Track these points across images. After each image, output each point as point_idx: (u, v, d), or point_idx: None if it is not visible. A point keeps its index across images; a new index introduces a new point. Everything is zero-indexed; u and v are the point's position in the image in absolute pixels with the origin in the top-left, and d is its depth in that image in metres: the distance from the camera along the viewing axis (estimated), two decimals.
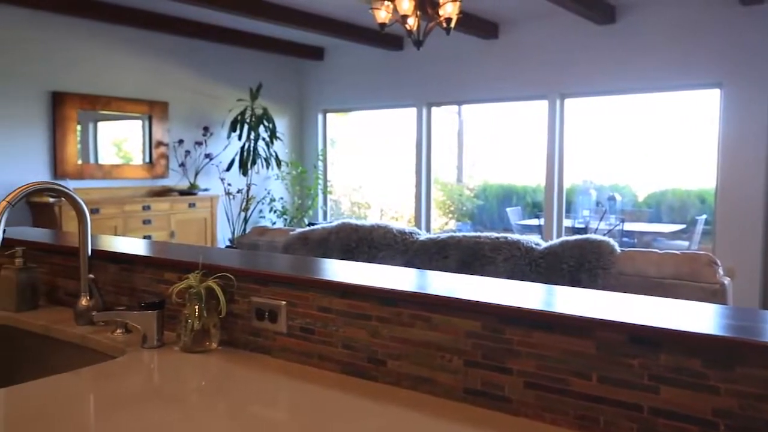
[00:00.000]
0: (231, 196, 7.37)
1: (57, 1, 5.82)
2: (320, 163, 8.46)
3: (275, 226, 5.17)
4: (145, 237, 6.11)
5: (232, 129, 7.18)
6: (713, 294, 2.49)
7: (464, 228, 9.84)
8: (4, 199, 1.47)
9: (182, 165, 7.04)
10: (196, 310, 1.42)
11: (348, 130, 9.42)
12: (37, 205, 5.72)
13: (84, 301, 1.64)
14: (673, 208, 9.13)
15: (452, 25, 4.37)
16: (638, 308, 1.12)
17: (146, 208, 6.39)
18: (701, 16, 5.74)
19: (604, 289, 2.46)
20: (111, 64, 6.54)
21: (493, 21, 6.78)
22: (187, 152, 7.08)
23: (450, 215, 10.36)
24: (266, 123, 7.30)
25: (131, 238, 2.19)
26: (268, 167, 7.46)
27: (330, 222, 3.77)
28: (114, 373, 1.35)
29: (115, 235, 5.83)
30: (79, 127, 6.34)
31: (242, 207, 7.47)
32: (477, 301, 1.15)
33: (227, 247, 6.96)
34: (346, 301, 1.30)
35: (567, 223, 7.11)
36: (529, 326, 1.09)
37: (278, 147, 7.57)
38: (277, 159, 7.45)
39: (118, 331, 1.56)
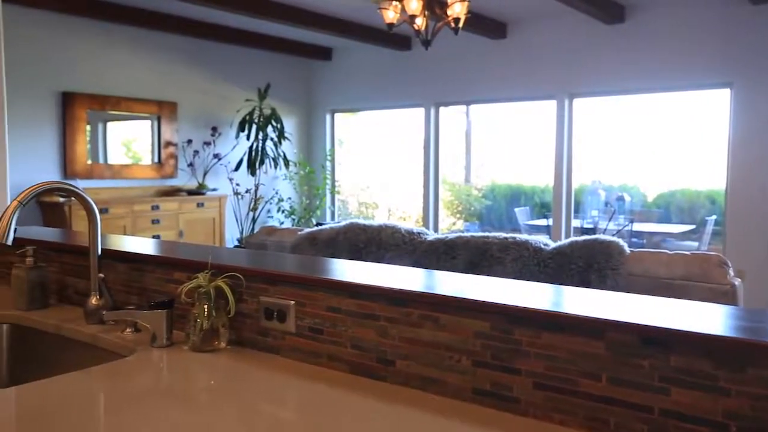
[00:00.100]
0: (239, 196, 7.39)
1: (67, 2, 5.86)
2: (328, 163, 8.46)
3: (283, 226, 5.18)
4: (153, 236, 6.14)
5: (241, 129, 7.21)
6: (723, 295, 2.47)
7: (472, 228, 9.82)
8: (15, 199, 1.48)
9: (191, 165, 7.07)
10: (205, 310, 1.42)
11: (356, 130, 9.42)
12: (47, 204, 5.76)
13: (94, 300, 1.65)
14: (682, 208, 9.08)
15: (460, 24, 4.36)
16: (648, 309, 1.12)
17: (155, 207, 6.41)
18: (711, 15, 5.70)
19: (613, 289, 2.45)
20: (120, 65, 6.57)
21: (501, 21, 6.77)
22: (196, 152, 7.11)
23: (458, 215, 10.35)
24: (274, 123, 7.31)
25: (140, 238, 2.20)
26: (276, 167, 7.48)
27: (338, 222, 3.77)
28: (124, 372, 1.35)
29: (124, 234, 5.86)
30: (88, 127, 6.38)
31: (250, 207, 7.48)
32: (486, 302, 1.15)
33: (235, 246, 6.98)
34: (354, 301, 1.30)
35: (575, 223, 7.09)
36: (538, 327, 1.09)
37: (286, 147, 7.59)
38: (285, 159, 7.47)
39: (128, 330, 1.56)
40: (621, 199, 8.82)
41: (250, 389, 1.25)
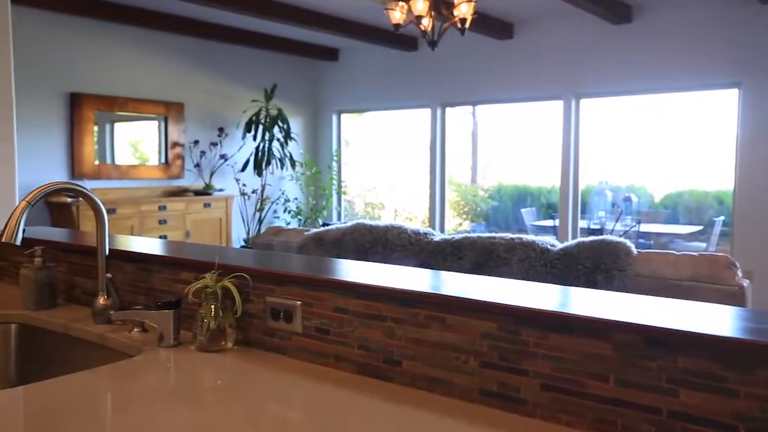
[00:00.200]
0: (246, 197, 7.41)
1: (75, 3, 5.89)
2: (334, 164, 8.47)
3: (290, 227, 5.19)
4: (160, 237, 6.16)
5: (247, 130, 7.22)
6: (732, 296, 2.46)
7: (478, 229, 9.81)
8: (23, 199, 1.49)
9: (197, 165, 7.09)
10: (212, 310, 1.43)
11: (362, 131, 9.43)
12: (55, 205, 5.79)
13: (102, 300, 1.66)
14: (690, 209, 9.03)
15: (467, 25, 4.36)
16: (656, 310, 1.11)
17: (162, 208, 6.44)
18: (719, 15, 5.68)
19: (620, 290, 2.44)
20: (128, 66, 6.60)
21: (508, 21, 6.76)
22: (203, 153, 7.13)
23: (464, 216, 10.33)
24: (281, 123, 7.33)
25: (147, 238, 2.21)
26: (282, 168, 7.49)
27: (344, 222, 3.77)
28: (131, 372, 1.36)
29: (132, 234, 5.89)
30: (96, 128, 6.41)
31: (257, 207, 7.50)
32: (493, 302, 1.15)
33: (242, 247, 6.99)
34: (361, 302, 1.30)
35: (582, 224, 7.06)
36: (546, 328, 1.09)
37: (293, 147, 7.60)
38: (291, 159, 7.48)
39: (135, 330, 1.57)
40: (628, 199, 8.79)
41: (256, 389, 1.25)
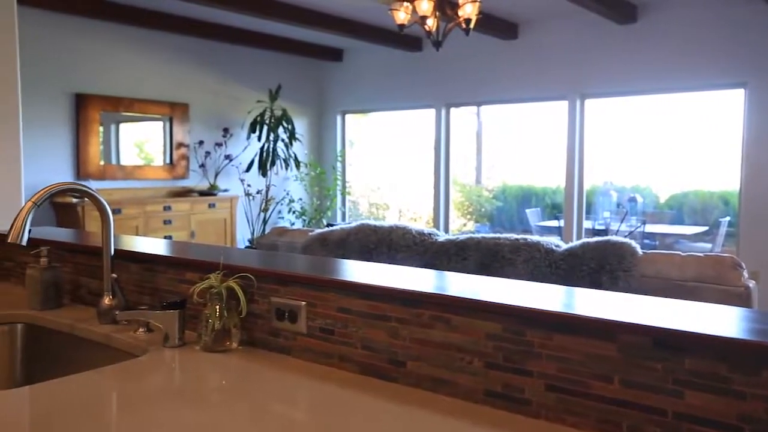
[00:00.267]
0: (250, 197, 7.42)
1: (81, 4, 5.91)
2: (339, 164, 8.48)
3: (294, 227, 5.20)
4: (165, 237, 6.17)
5: (252, 130, 7.23)
6: (738, 297, 2.45)
7: (483, 229, 9.80)
8: (29, 200, 1.49)
9: (202, 166, 7.10)
10: (217, 310, 1.43)
11: (367, 131, 9.43)
12: (60, 205, 5.81)
13: (107, 300, 1.66)
14: (695, 209, 9.00)
15: (472, 25, 4.36)
16: (661, 311, 1.11)
17: (167, 208, 6.45)
18: (725, 15, 5.66)
19: (625, 291, 2.43)
20: (133, 67, 6.62)
21: (512, 21, 6.75)
22: (207, 153, 7.15)
23: (468, 216, 10.32)
24: (285, 124, 7.33)
25: (152, 238, 2.21)
26: (287, 168, 7.50)
27: (349, 223, 3.78)
28: (136, 372, 1.36)
29: (137, 235, 5.90)
30: (101, 129, 6.43)
31: (261, 208, 7.51)
32: (497, 303, 1.14)
33: (247, 247, 7.00)
34: (365, 302, 1.30)
35: (587, 224, 7.05)
36: (550, 328, 1.08)
37: (297, 148, 7.61)
38: (296, 160, 7.49)
39: (141, 330, 1.57)
40: (633, 200, 8.76)
41: (261, 389, 1.25)
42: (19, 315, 1.80)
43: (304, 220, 8.09)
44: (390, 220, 9.53)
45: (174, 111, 6.97)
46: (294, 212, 7.95)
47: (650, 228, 7.57)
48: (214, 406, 1.19)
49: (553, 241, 2.96)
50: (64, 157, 6.14)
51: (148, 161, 6.95)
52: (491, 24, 6.34)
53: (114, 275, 1.68)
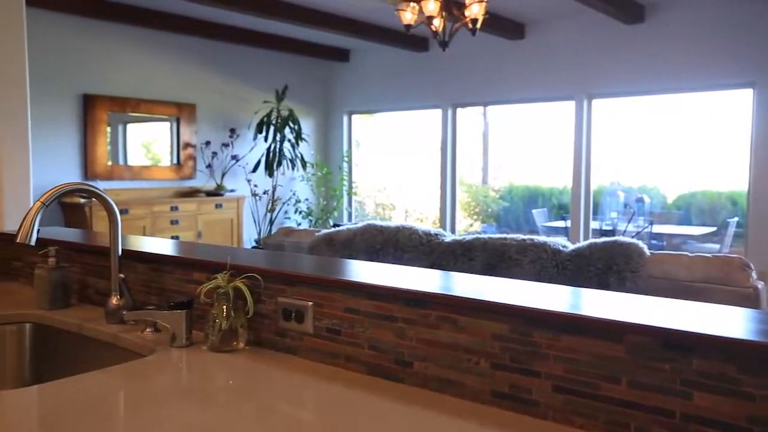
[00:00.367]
0: (257, 197, 7.43)
1: (88, 5, 5.94)
2: (345, 165, 8.48)
3: (301, 227, 5.20)
4: (172, 237, 6.19)
5: (258, 130, 7.25)
6: (746, 298, 2.44)
7: (489, 230, 9.79)
8: (38, 200, 1.50)
9: (209, 166, 7.12)
10: (224, 310, 1.43)
11: (373, 132, 9.43)
12: (68, 205, 5.84)
13: (114, 300, 1.67)
14: (703, 210, 8.96)
15: (478, 25, 4.35)
16: (669, 312, 1.10)
17: (174, 208, 6.47)
18: (733, 14, 5.63)
19: (632, 292, 2.42)
20: (140, 67, 6.64)
21: (519, 21, 6.74)
22: (214, 154, 7.17)
23: (475, 217, 10.31)
24: (292, 124, 7.35)
25: (160, 239, 2.22)
26: (293, 168, 7.51)
27: (355, 223, 3.78)
28: (143, 372, 1.37)
29: (144, 235, 5.92)
30: (109, 129, 6.46)
31: (268, 208, 7.52)
32: (504, 304, 1.14)
33: (253, 247, 7.02)
34: (372, 303, 1.30)
35: (594, 225, 7.03)
36: (558, 329, 1.08)
37: (304, 148, 7.62)
38: (302, 160, 7.50)
39: (148, 330, 1.58)
40: (640, 200, 8.73)
41: (268, 389, 1.25)
42: (27, 315, 1.80)
43: (311, 221, 8.09)
44: (396, 220, 9.53)
45: (181, 111, 6.99)
46: (300, 212, 7.96)
47: (658, 228, 7.54)
48: (221, 406, 1.19)
49: (560, 241, 2.95)
50: (71, 157, 6.17)
51: (156, 161, 6.98)
52: (498, 24, 6.33)
53: (121, 275, 1.68)
